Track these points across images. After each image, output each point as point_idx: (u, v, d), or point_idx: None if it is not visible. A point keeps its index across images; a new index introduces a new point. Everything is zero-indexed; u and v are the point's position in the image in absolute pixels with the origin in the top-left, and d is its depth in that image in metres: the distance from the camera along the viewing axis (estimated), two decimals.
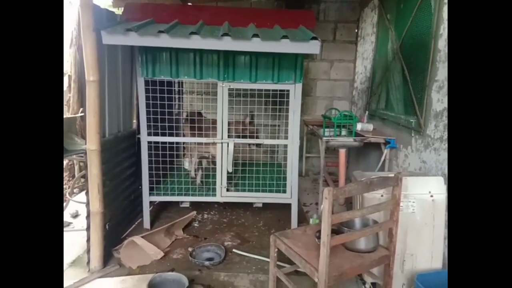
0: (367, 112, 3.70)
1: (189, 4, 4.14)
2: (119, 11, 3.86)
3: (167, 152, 2.83)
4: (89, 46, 2.06)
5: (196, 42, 2.21)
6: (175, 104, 3.52)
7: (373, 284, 2.10)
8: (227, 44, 2.23)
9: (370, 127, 3.28)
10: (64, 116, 3.38)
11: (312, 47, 2.25)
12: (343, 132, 3.19)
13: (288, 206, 2.94)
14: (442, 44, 2.21)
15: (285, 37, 2.22)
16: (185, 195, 2.96)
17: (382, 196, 1.89)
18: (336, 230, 1.64)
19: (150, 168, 2.78)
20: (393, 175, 1.67)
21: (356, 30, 4.45)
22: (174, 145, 2.92)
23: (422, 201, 1.87)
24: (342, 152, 3.11)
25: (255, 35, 2.22)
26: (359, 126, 3.23)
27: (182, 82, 3.72)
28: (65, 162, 4.15)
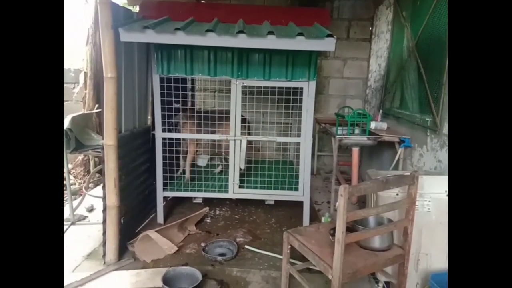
0: (381, 110, 3.66)
1: (203, 1, 4.17)
2: (134, 9, 3.91)
3: (181, 148, 2.86)
4: (107, 43, 2.10)
5: (212, 40, 2.23)
6: (188, 101, 3.56)
7: (387, 283, 2.08)
8: (243, 41, 2.24)
9: (384, 125, 3.25)
10: (81, 112, 3.45)
11: (327, 44, 2.24)
12: (357, 131, 3.17)
13: (299, 204, 2.94)
14: None
15: (300, 34, 2.22)
16: (198, 191, 2.99)
17: (397, 194, 1.88)
18: (350, 228, 1.64)
19: (164, 164, 2.82)
20: (409, 173, 1.65)
21: (370, 28, 4.40)
22: (188, 142, 2.96)
23: (438, 200, 1.85)
24: (355, 150, 3.09)
25: (270, 32, 2.22)
26: (373, 125, 3.20)
27: (195, 80, 3.75)
28: (80, 157, 4.24)
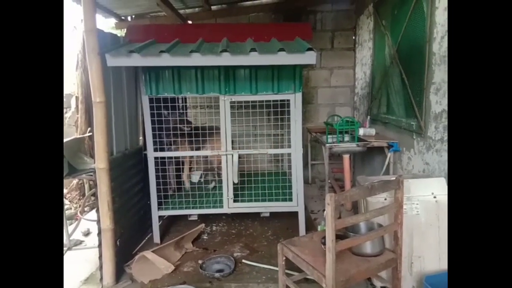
0: (369, 117, 3.73)
1: (189, 22, 4.27)
2: (121, 32, 4.00)
3: (174, 167, 2.89)
4: (94, 69, 2.16)
5: (197, 60, 2.30)
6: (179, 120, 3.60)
7: None
8: (226, 59, 2.30)
9: (372, 131, 3.31)
10: (73, 137, 3.48)
11: (308, 57, 2.31)
12: (346, 138, 3.22)
13: (295, 214, 2.96)
14: (437, 47, 2.26)
15: (281, 49, 2.29)
16: (193, 208, 3.00)
17: (385, 199, 1.91)
18: (342, 236, 1.67)
19: (157, 183, 2.84)
20: (394, 178, 1.70)
21: (353, 37, 4.52)
22: (180, 159, 2.98)
23: (426, 202, 1.89)
24: (346, 157, 3.13)
25: (253, 49, 2.29)
26: (361, 131, 3.26)
27: (185, 98, 3.81)
28: (75, 181, 4.24)
